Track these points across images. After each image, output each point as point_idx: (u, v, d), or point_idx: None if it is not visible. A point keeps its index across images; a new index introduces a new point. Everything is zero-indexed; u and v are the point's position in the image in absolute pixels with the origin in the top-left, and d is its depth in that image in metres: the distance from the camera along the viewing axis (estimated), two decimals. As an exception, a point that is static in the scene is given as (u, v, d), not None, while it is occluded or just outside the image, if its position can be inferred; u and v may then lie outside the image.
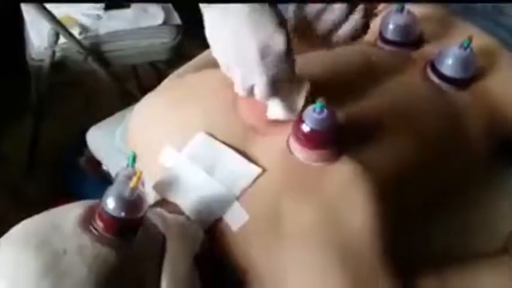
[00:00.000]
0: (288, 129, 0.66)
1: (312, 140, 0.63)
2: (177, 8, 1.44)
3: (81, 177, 1.38)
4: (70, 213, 0.54)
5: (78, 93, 1.56)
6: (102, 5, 1.39)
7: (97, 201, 0.56)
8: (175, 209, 0.64)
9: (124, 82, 1.51)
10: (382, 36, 0.87)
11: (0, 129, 1.52)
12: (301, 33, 0.72)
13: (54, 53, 1.30)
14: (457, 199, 0.77)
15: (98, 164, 1.35)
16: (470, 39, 0.78)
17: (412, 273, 0.65)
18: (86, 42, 1.34)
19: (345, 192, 0.63)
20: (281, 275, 0.61)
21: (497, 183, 0.82)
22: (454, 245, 0.75)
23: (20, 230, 0.54)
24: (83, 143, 1.43)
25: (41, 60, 1.32)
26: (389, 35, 0.86)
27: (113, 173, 0.89)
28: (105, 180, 1.22)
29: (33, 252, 0.50)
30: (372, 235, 0.62)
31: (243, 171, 0.64)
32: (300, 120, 0.63)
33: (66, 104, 1.54)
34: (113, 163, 0.92)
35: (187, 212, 0.63)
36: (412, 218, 0.71)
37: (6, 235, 0.54)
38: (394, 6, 0.86)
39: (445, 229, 0.75)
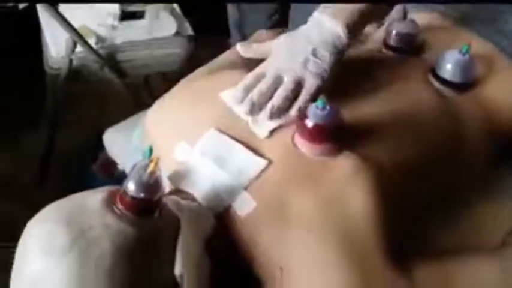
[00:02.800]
0: (292, 125, 0.74)
1: (315, 135, 0.72)
2: (190, 19, 1.55)
3: (94, 184, 1.47)
4: (95, 195, 0.63)
5: (92, 101, 1.66)
6: (117, 15, 1.51)
7: (118, 187, 0.65)
8: (188, 197, 0.72)
9: (137, 91, 1.61)
10: (386, 43, 0.96)
11: (15, 136, 1.62)
12: None
13: (71, 61, 1.41)
14: (458, 198, 0.84)
15: (112, 170, 1.44)
16: (469, 45, 0.87)
17: (412, 264, 0.71)
18: (101, 52, 1.45)
19: (346, 183, 0.71)
20: (287, 261, 0.69)
21: (498, 185, 0.89)
22: (455, 242, 0.81)
23: (50, 210, 0.63)
24: (96, 150, 1.53)
25: (58, 69, 1.43)
26: (393, 42, 0.95)
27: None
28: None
29: (62, 227, 0.59)
30: (372, 224, 0.69)
31: (251, 164, 0.73)
32: (304, 116, 0.72)
33: (80, 112, 1.64)
34: (129, 163, 1.01)
35: (199, 199, 0.72)
36: (413, 214, 0.78)
37: (38, 215, 0.63)
38: (397, 16, 0.95)
39: (446, 226, 0.82)
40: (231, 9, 1.51)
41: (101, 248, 0.58)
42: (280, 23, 1.51)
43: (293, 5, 1.43)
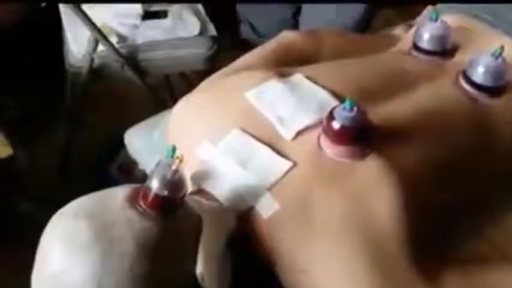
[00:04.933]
0: (318, 126, 0.75)
1: (341, 136, 0.73)
2: (213, 20, 1.58)
3: (113, 185, 1.50)
4: (118, 192, 0.66)
5: (113, 101, 1.70)
6: (139, 14, 1.53)
7: (142, 185, 0.67)
8: (210, 197, 0.74)
9: (158, 91, 1.63)
10: (416, 45, 0.96)
11: (34, 135, 1.66)
12: None
13: (92, 60, 1.44)
14: (486, 205, 0.84)
15: (130, 171, 1.47)
16: (502, 48, 0.87)
17: (438, 270, 0.72)
18: (123, 51, 1.47)
19: (372, 186, 0.71)
20: (309, 263, 0.70)
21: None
22: (483, 251, 0.81)
23: (73, 205, 0.65)
24: (115, 151, 1.56)
25: (79, 67, 1.46)
26: (423, 44, 0.96)
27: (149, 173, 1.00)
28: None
29: (85, 223, 0.61)
30: (397, 227, 0.70)
31: (275, 165, 0.74)
32: (330, 118, 0.73)
33: (101, 111, 1.67)
34: (149, 163, 1.03)
35: (221, 200, 0.73)
36: (440, 219, 0.79)
37: (61, 210, 0.65)
38: (428, 16, 0.96)
39: (474, 233, 0.82)
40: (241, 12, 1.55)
41: (124, 245, 0.60)
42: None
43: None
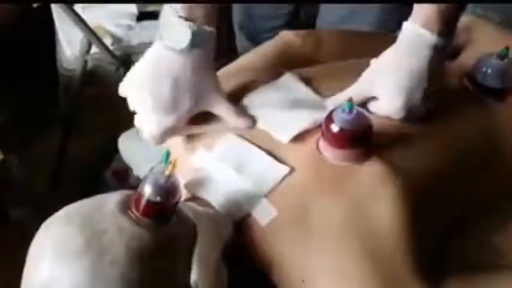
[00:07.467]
0: (318, 130, 0.76)
1: (341, 140, 0.73)
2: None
3: (107, 191, 1.50)
4: (110, 198, 0.66)
5: (107, 104, 1.69)
6: (134, 15, 1.54)
7: (135, 191, 0.67)
8: (205, 204, 0.74)
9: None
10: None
11: (28, 139, 1.67)
12: None
13: (86, 62, 1.44)
14: (492, 212, 0.84)
15: (124, 177, 1.47)
16: (507, 49, 0.87)
17: (441, 278, 0.71)
18: (117, 53, 1.48)
19: (373, 190, 0.71)
20: (308, 270, 0.70)
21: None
22: (488, 258, 0.81)
23: (64, 212, 0.65)
24: (109, 156, 1.56)
25: (72, 70, 1.46)
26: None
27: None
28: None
29: (76, 230, 0.61)
30: (398, 234, 0.70)
31: (272, 170, 0.74)
32: (329, 120, 0.73)
33: (94, 115, 1.67)
34: (143, 169, 1.03)
35: (217, 206, 0.73)
36: (443, 225, 0.79)
37: (52, 217, 0.65)
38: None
39: (478, 241, 0.82)
40: (236, 10, 1.54)
41: (115, 253, 0.60)
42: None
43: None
